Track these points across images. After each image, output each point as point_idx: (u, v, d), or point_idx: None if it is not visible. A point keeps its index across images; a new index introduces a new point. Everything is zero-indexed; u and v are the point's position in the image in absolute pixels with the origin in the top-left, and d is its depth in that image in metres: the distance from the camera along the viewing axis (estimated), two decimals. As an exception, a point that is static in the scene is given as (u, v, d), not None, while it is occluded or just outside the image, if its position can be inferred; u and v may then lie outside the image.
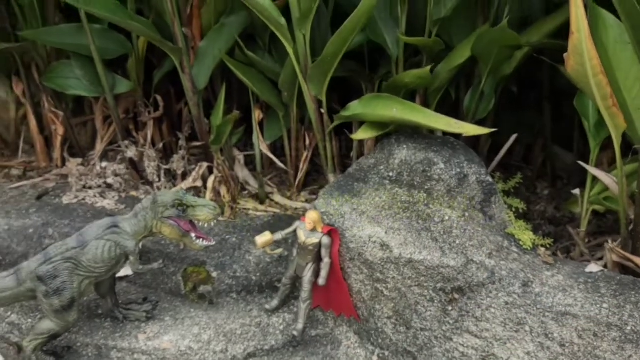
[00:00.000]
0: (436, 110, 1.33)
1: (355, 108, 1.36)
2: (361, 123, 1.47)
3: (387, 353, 1.20)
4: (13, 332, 1.27)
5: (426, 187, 1.24)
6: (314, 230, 1.19)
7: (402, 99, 1.30)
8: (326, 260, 1.19)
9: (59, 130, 1.58)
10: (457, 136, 1.38)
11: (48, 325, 1.13)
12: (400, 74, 1.40)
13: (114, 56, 1.53)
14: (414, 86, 1.35)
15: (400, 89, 1.36)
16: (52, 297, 1.11)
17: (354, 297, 1.22)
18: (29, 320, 1.29)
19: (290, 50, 1.36)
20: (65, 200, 1.51)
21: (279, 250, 1.31)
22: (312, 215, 1.18)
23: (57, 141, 1.60)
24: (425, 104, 1.45)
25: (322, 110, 1.43)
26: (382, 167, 1.30)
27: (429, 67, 1.28)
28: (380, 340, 1.21)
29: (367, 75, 1.58)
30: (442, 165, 1.24)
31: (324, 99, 1.41)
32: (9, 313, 1.30)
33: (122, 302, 1.29)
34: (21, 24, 1.52)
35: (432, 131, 1.47)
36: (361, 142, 1.54)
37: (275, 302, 1.30)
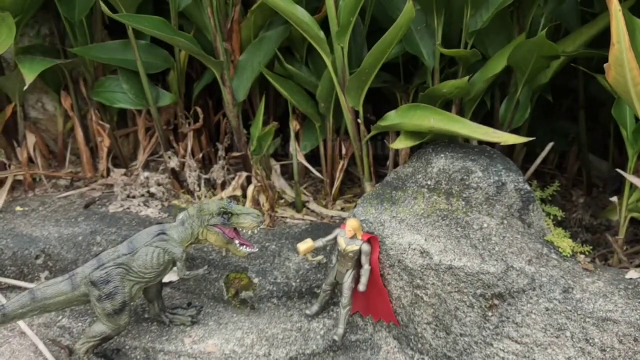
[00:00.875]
0: (471, 120, 1.36)
1: (392, 118, 1.39)
2: (397, 133, 1.51)
3: (426, 358, 1.22)
4: (64, 335, 1.32)
5: (464, 195, 1.26)
6: (353, 237, 1.22)
7: (438, 109, 1.33)
8: (366, 267, 1.21)
9: (105, 142, 1.65)
10: (493, 145, 1.41)
11: (100, 328, 1.18)
12: (437, 84, 1.43)
13: (158, 70, 1.59)
14: (451, 96, 1.38)
15: (437, 99, 1.38)
16: (105, 301, 1.16)
17: (393, 303, 1.24)
18: (79, 324, 1.34)
19: (328, 63, 1.40)
20: (111, 208, 1.57)
21: (319, 257, 1.34)
22: (352, 223, 1.21)
23: (103, 152, 1.66)
24: (461, 113, 1.47)
25: (359, 121, 1.46)
26: (419, 176, 1.32)
27: (466, 78, 1.31)
28: (419, 345, 1.23)
29: (402, 86, 1.62)
30: (479, 174, 1.26)
31: (360, 110, 1.44)
32: (60, 317, 1.36)
33: (168, 307, 1.34)
34: (70, 41, 1.59)
35: (467, 140, 1.50)
36: (396, 152, 1.57)
37: (315, 308, 1.33)
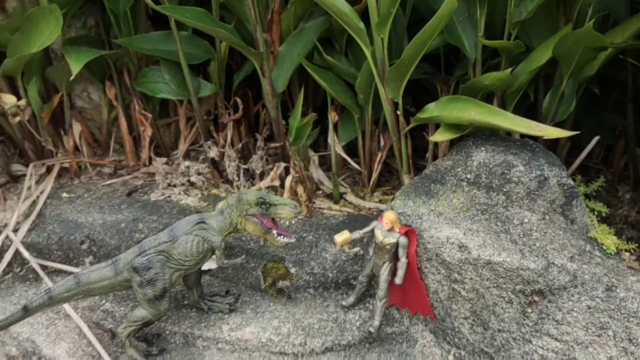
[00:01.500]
0: (514, 112, 1.33)
1: (432, 110, 1.37)
2: (437, 125, 1.49)
3: (463, 353, 1.21)
4: (107, 319, 1.36)
5: (505, 190, 1.24)
6: (391, 230, 1.21)
7: (480, 101, 1.31)
8: (403, 260, 1.21)
9: (148, 131, 1.68)
10: (535, 138, 1.37)
11: (141, 313, 1.22)
12: (478, 76, 1.40)
13: (199, 61, 1.61)
14: (492, 88, 1.35)
15: (478, 91, 1.36)
16: (146, 287, 1.19)
17: (430, 297, 1.23)
18: (122, 308, 1.38)
19: (368, 54, 1.40)
20: (153, 197, 1.60)
21: (356, 249, 1.35)
22: (389, 216, 1.20)
23: (146, 141, 1.70)
24: (503, 106, 1.44)
25: (398, 112, 1.45)
26: (459, 169, 1.31)
27: (509, 70, 1.28)
28: (456, 340, 1.22)
29: (442, 78, 1.59)
30: (521, 168, 1.23)
31: (400, 101, 1.43)
32: (104, 301, 1.40)
33: (207, 294, 1.36)
34: (114, 32, 1.63)
35: (509, 133, 1.47)
36: (435, 144, 1.56)
37: (351, 299, 1.33)
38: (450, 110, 1.34)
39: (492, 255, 1.12)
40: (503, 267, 1.11)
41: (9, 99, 1.47)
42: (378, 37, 1.36)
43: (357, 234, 1.26)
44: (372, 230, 1.25)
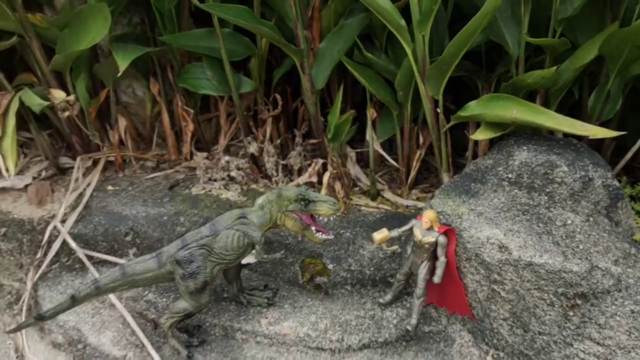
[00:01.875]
0: (557, 111, 1.30)
1: (473, 108, 1.36)
2: (477, 123, 1.47)
3: (502, 354, 1.20)
4: (150, 309, 1.40)
5: (547, 190, 1.22)
6: (430, 229, 1.21)
7: (522, 100, 1.29)
8: (442, 259, 1.21)
9: (190, 126, 1.71)
10: (579, 138, 1.35)
11: (183, 305, 1.25)
12: (521, 74, 1.38)
13: (240, 57, 1.63)
14: (536, 86, 1.33)
15: (521, 89, 1.34)
16: (188, 280, 1.22)
17: (469, 297, 1.23)
18: (164, 299, 1.42)
19: (408, 51, 1.39)
20: (194, 191, 1.64)
21: (394, 247, 1.35)
22: (429, 215, 1.20)
23: (188, 136, 1.73)
24: (546, 104, 1.42)
25: (438, 110, 1.44)
26: (500, 168, 1.29)
27: (554, 68, 1.26)
28: (495, 341, 1.21)
29: (484, 75, 1.57)
30: (565, 168, 1.21)
31: (440, 99, 1.42)
32: (147, 292, 1.44)
33: (246, 288, 1.39)
34: (159, 29, 1.66)
35: (552, 132, 1.44)
36: (475, 142, 1.54)
37: (388, 297, 1.34)
38: (491, 108, 1.32)
39: (533, 256, 1.11)
40: (545, 269, 1.10)
41: (59, 95, 1.52)
42: (419, 34, 1.35)
43: (395, 232, 1.26)
44: (411, 229, 1.25)
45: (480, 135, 1.34)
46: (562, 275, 1.09)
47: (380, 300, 1.34)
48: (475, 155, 1.54)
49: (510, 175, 1.27)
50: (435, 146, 1.51)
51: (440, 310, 1.30)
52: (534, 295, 1.13)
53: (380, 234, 1.25)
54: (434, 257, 1.23)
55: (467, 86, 1.69)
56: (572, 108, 1.53)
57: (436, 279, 1.21)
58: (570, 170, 1.21)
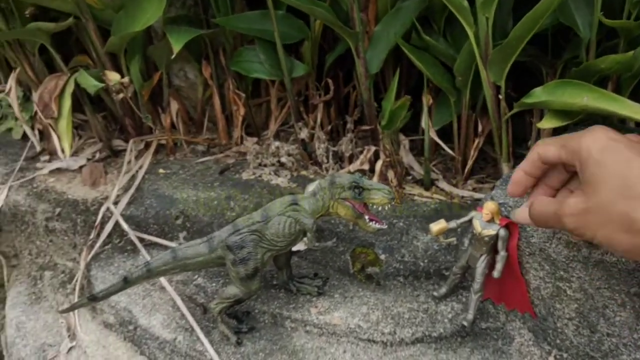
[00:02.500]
0: (630, 99, 1.22)
1: (539, 95, 1.28)
2: (541, 111, 1.40)
3: (565, 355, 1.14)
4: (199, 293, 1.40)
5: (620, 183, 1.14)
6: (491, 221, 1.15)
7: (593, 86, 1.21)
8: (502, 253, 1.15)
9: (241, 110, 1.70)
10: (654, 128, 1.26)
11: (233, 291, 1.23)
12: (592, 58, 1.30)
13: (293, 41, 1.60)
14: (609, 72, 1.25)
15: (592, 75, 1.26)
16: (239, 266, 1.20)
17: (530, 294, 1.17)
18: (213, 284, 1.41)
19: (470, 34, 1.32)
20: (244, 176, 1.62)
21: (451, 240, 1.29)
22: (490, 206, 1.14)
23: (238, 121, 1.72)
24: (618, 91, 1.33)
25: (500, 97, 1.37)
26: (567, 159, 1.22)
27: (631, 52, 1.17)
28: (558, 341, 1.14)
29: (549, 60, 1.49)
30: None
31: (502, 85, 1.35)
32: (196, 276, 1.44)
33: (296, 276, 1.36)
34: (212, 11, 1.64)
35: (622, 121, 1.35)
36: (538, 131, 1.46)
37: (443, 290, 1.29)
38: (559, 95, 1.24)
39: (605, 254, 1.04)
40: (617, 268, 1.03)
41: (114, 77, 1.52)
42: (483, 16, 1.28)
43: (453, 224, 1.20)
44: (470, 221, 1.19)
45: (547, 123, 1.27)
46: (636, 274, 1.02)
47: (435, 294, 1.30)
48: (537, 145, 1.46)
49: (578, 167, 1.19)
50: (495, 135, 1.44)
51: (498, 307, 1.24)
52: (604, 294, 1.06)
53: (438, 225, 1.19)
54: (493, 251, 1.17)
55: (529, 72, 1.60)
56: (645, 96, 1.43)
57: (496, 273, 1.15)
58: (646, 162, 1.13)
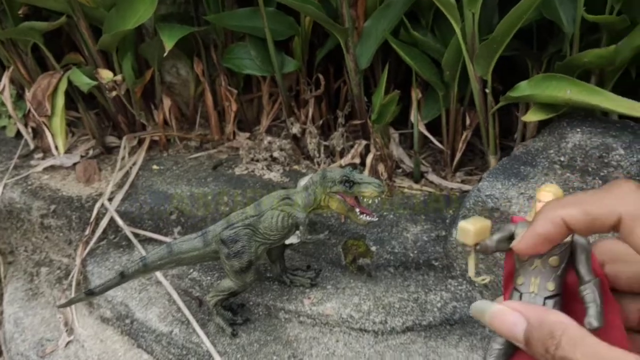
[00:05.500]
0: (613, 92, 1.25)
1: (524, 88, 1.32)
2: (527, 104, 1.43)
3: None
4: (194, 287, 1.42)
5: (602, 174, 1.18)
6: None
7: (577, 80, 1.25)
8: (589, 279, 0.71)
9: (233, 106, 1.72)
10: (636, 120, 1.29)
11: (228, 284, 1.26)
12: (575, 53, 1.33)
13: (283, 37, 1.62)
14: (592, 66, 1.28)
15: (575, 68, 1.29)
16: (233, 259, 1.23)
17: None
18: (208, 277, 1.44)
19: (457, 30, 1.35)
20: (237, 171, 1.65)
21: (488, 278, 0.70)
22: (554, 189, 0.56)
23: (231, 117, 1.74)
24: (601, 85, 1.36)
25: (487, 90, 1.40)
26: (552, 151, 1.25)
27: (613, 46, 1.21)
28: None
29: (534, 54, 1.52)
30: (621, 151, 1.17)
31: (489, 79, 1.38)
32: (191, 270, 1.46)
33: (289, 268, 1.39)
34: (203, 9, 1.66)
35: (606, 114, 1.39)
36: (524, 124, 1.50)
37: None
38: (544, 89, 1.28)
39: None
40: (598, 256, 1.07)
41: (106, 75, 1.54)
42: (469, 11, 1.31)
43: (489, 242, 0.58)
44: (511, 237, 0.56)
45: (532, 116, 1.30)
46: None
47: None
48: (523, 138, 1.50)
49: (562, 159, 1.23)
50: (482, 128, 1.48)
51: (486, 292, 1.28)
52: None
53: (476, 223, 0.57)
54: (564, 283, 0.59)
55: (515, 66, 1.64)
56: (629, 89, 1.47)
57: (595, 321, 0.53)
58: (626, 153, 1.17)
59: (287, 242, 1.43)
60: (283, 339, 1.27)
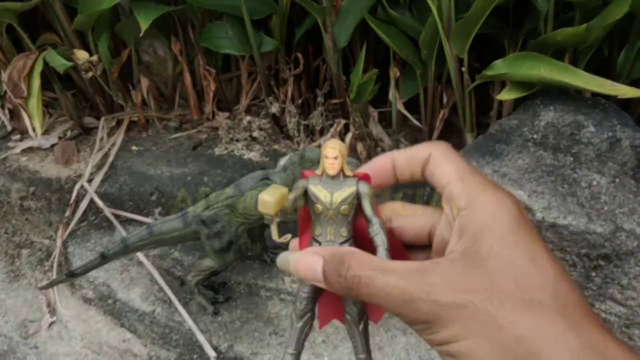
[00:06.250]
0: (585, 70, 1.28)
1: (499, 67, 1.33)
2: (502, 82, 1.45)
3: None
4: (176, 267, 1.44)
5: (573, 151, 1.20)
6: (338, 176, 0.60)
7: (550, 58, 1.26)
8: (376, 221, 0.59)
9: (211, 86, 1.71)
10: (608, 97, 1.32)
11: (209, 263, 1.28)
12: (550, 31, 1.34)
13: (262, 16, 1.61)
14: (565, 44, 1.30)
15: (549, 47, 1.31)
16: (213, 239, 1.24)
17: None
18: (189, 257, 1.45)
19: (433, 8, 1.36)
20: (217, 151, 1.65)
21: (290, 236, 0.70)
22: (337, 145, 0.59)
23: (210, 96, 1.74)
24: (574, 63, 1.38)
25: (463, 69, 1.42)
26: (525, 129, 1.28)
27: (584, 25, 1.22)
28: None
29: (510, 32, 1.54)
30: (592, 129, 1.20)
31: (465, 57, 1.39)
32: (173, 250, 1.48)
33: (270, 247, 1.41)
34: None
35: (579, 92, 1.41)
36: (500, 102, 1.52)
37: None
38: (518, 67, 1.30)
39: (557, 218, 1.11)
40: (568, 231, 1.10)
41: (82, 55, 1.52)
42: (445, -10, 1.32)
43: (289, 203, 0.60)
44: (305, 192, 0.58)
45: (506, 95, 1.32)
46: (586, 236, 1.09)
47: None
48: (499, 116, 1.52)
49: (535, 136, 1.26)
50: (459, 106, 1.49)
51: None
52: (557, 256, 1.13)
53: (276, 193, 0.57)
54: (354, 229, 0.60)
55: (492, 44, 1.65)
56: (602, 67, 1.49)
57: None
58: (597, 130, 1.20)
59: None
60: (264, 316, 1.30)
